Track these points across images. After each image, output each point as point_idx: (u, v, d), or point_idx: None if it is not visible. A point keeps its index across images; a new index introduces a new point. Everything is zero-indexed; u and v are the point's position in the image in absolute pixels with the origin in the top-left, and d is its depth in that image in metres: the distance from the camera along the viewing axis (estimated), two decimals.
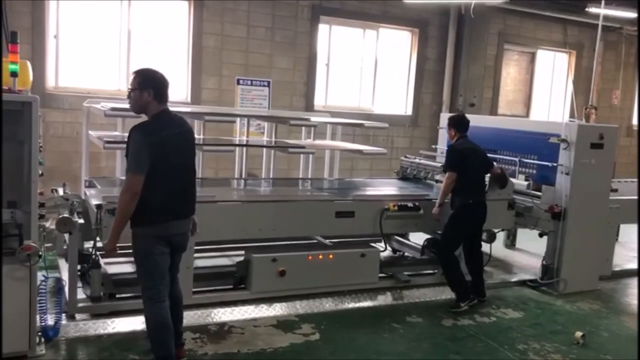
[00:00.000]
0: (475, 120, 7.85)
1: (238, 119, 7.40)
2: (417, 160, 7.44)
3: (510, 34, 11.65)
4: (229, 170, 8.06)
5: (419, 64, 10.83)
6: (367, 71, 10.55)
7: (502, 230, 7.32)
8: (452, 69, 10.78)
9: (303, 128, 7.77)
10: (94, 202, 4.77)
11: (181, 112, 6.71)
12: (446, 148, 5.87)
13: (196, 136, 6.45)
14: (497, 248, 7.05)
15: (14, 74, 3.94)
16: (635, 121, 13.41)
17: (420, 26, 10.74)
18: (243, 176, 7.15)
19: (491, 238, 6.70)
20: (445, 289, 6.05)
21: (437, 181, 6.93)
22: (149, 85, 3.75)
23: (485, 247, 6.62)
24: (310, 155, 7.55)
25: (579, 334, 5.08)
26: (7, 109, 3.97)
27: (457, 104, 10.71)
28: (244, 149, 7.15)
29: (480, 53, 10.96)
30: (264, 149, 7.48)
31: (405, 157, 7.70)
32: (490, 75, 11.48)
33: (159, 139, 3.70)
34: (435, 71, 10.92)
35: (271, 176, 7.29)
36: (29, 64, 5.91)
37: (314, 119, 7.30)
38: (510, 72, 12.07)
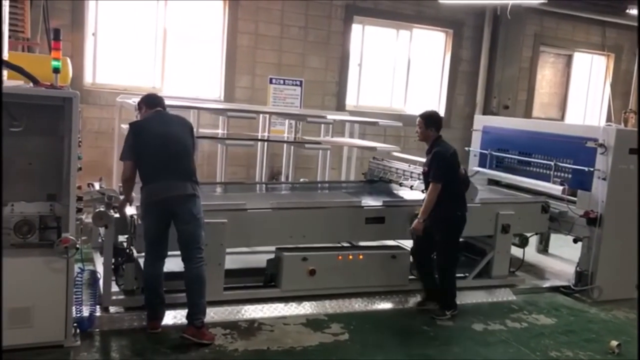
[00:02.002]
0: (510, 123, 7.82)
1: (261, 117, 7.94)
2: (383, 162, 7.21)
3: (546, 36, 11.45)
4: (253, 168, 8.45)
5: (452, 65, 10.72)
6: (399, 72, 10.49)
7: (535, 234, 7.21)
8: (487, 70, 10.64)
9: (322, 126, 8.16)
10: (128, 212, 4.86)
11: (206, 108, 7.32)
12: (432, 153, 5.32)
13: (219, 131, 7.53)
14: (529, 253, 6.94)
15: (56, 70, 4.03)
16: None
17: (455, 27, 10.63)
18: (266, 173, 7.66)
19: (523, 242, 6.62)
20: (477, 292, 6.02)
21: (400, 184, 6.65)
22: (142, 101, 4.89)
23: (517, 251, 6.55)
24: (328, 154, 7.89)
25: (614, 343, 4.97)
26: (48, 104, 4.09)
27: (491, 106, 10.59)
28: (266, 146, 7.87)
29: (515, 55, 10.81)
30: (284, 149, 8.04)
31: (373, 158, 7.46)
32: (525, 77, 11.30)
33: (141, 127, 4.64)
34: (469, 72, 10.80)
35: (291, 174, 7.82)
36: (69, 60, 6.06)
37: (330, 116, 7.67)
38: (546, 74, 11.86)
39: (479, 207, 6.18)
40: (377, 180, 7.10)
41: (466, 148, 8.11)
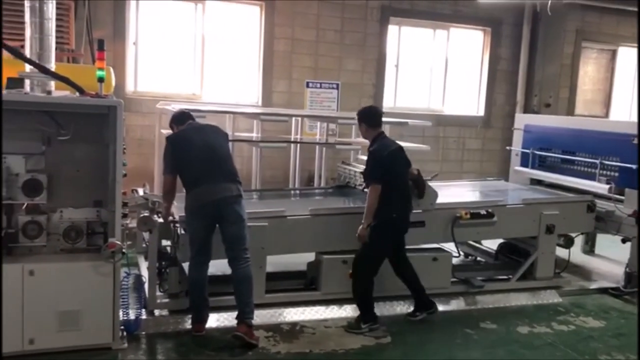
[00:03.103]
0: (552, 121, 7.65)
1: (293, 120, 8.24)
2: (349, 167, 6.57)
3: (589, 31, 11.15)
4: (286, 170, 8.62)
5: (491, 64, 10.56)
6: (437, 72, 10.39)
7: (581, 234, 7.03)
8: (527, 68, 10.45)
9: (353, 127, 8.25)
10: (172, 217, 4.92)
11: (239, 113, 7.68)
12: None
13: (253, 134, 8.03)
14: (574, 254, 6.77)
15: (101, 80, 4.14)
16: None
17: (493, 25, 10.48)
18: (303, 176, 7.87)
19: (568, 243, 6.46)
20: (521, 294, 5.90)
21: (363, 190, 5.81)
22: (172, 121, 5.05)
23: (563, 252, 6.39)
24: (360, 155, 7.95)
25: None
26: (94, 112, 4.21)
27: (532, 105, 10.38)
28: (299, 150, 8.16)
29: (556, 52, 10.58)
30: (316, 152, 8.24)
31: (342, 162, 6.99)
32: (567, 74, 11.04)
33: (179, 138, 4.78)
34: (508, 71, 10.62)
35: (324, 177, 8.05)
36: (112, 69, 6.22)
37: None
38: (588, 70, 11.56)
39: (522, 207, 6.08)
40: (345, 186, 6.64)
41: (507, 147, 7.97)
